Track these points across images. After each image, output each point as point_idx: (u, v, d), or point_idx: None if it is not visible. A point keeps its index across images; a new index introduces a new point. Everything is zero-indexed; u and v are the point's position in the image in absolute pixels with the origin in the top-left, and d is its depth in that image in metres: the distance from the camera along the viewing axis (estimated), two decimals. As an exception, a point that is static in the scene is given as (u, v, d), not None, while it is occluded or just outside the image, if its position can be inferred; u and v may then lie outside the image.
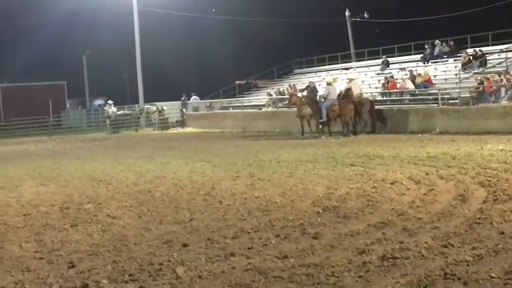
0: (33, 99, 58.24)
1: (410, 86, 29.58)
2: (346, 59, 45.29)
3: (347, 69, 41.72)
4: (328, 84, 27.01)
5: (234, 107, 41.03)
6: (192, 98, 44.11)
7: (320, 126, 26.38)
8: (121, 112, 44.42)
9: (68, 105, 63.62)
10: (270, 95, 37.89)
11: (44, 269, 6.18)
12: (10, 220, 9.09)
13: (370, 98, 27.62)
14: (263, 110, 34.78)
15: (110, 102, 42.70)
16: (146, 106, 44.48)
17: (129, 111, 46.17)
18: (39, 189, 12.58)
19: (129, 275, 5.73)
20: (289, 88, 35.15)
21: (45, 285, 5.59)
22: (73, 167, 17.32)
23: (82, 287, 5.46)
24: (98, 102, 59.40)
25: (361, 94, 26.87)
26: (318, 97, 27.36)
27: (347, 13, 48.35)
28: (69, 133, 42.56)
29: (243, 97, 43.38)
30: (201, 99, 44.74)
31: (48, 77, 62.06)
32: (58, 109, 59.20)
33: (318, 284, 5.24)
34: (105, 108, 44.97)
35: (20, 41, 58.13)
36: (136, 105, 46.87)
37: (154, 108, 43.72)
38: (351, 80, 28.44)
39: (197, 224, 8.09)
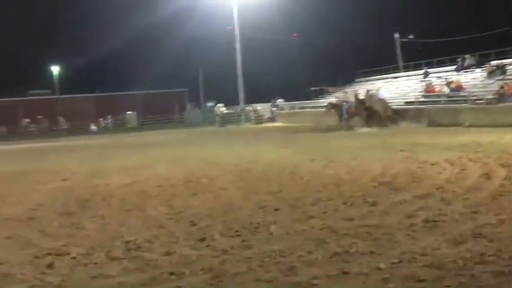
0: (163, 102, 59.49)
1: (446, 90, 29.55)
2: (396, 70, 44.66)
3: (396, 77, 41.22)
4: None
5: (310, 107, 41.16)
6: (278, 101, 45.29)
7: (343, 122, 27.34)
8: (227, 111, 45.23)
9: (188, 107, 64.55)
10: (337, 97, 37.65)
11: (173, 226, 6.29)
12: (149, 190, 9.29)
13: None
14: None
15: (220, 104, 43.66)
16: (245, 107, 45.28)
17: (233, 110, 46.78)
18: (169, 167, 12.81)
19: (235, 231, 5.78)
20: (343, 94, 34.46)
21: (174, 238, 5.68)
22: (192, 152, 17.59)
23: (200, 240, 5.52)
24: (210, 103, 59.91)
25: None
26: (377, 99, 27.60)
27: (396, 35, 47.78)
28: (189, 127, 43.17)
29: (317, 99, 43.37)
30: (285, 102, 45.77)
31: (174, 85, 63.28)
32: (181, 109, 60.34)
33: (376, 239, 5.17)
34: (215, 108, 45.88)
35: (154, 59, 59.29)
36: (238, 106, 47.32)
37: (251, 108, 44.43)
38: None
39: (284, 194, 8.09)
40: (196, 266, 4.58)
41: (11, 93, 59.17)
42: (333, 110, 29.94)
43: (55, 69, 59.69)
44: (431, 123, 24.11)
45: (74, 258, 5.06)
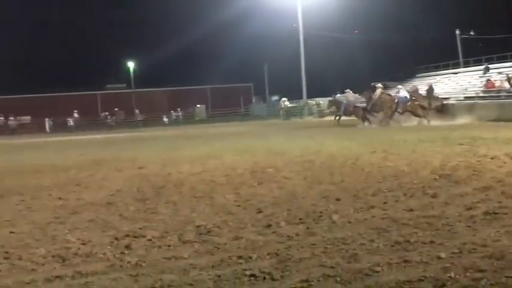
0: (230, 96, 60.02)
1: (506, 85, 28.60)
2: (456, 65, 43.46)
3: (456, 73, 40.15)
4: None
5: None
6: (337, 95, 45.01)
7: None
8: (291, 105, 45.21)
9: (253, 100, 64.85)
10: (397, 92, 37.09)
11: (240, 213, 6.35)
12: (217, 179, 9.39)
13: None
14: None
15: (284, 98, 43.72)
16: (308, 101, 45.13)
17: (296, 104, 46.75)
18: (236, 158, 12.92)
19: (299, 219, 5.79)
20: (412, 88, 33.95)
21: (242, 224, 5.74)
22: (258, 143, 17.67)
23: (267, 226, 5.55)
24: (274, 97, 60.00)
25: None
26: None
27: (457, 31, 46.34)
28: (254, 120, 43.35)
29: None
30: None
31: (240, 80, 63.72)
32: (247, 103, 60.69)
33: (436, 229, 5.08)
34: (279, 102, 45.92)
35: (222, 55, 59.81)
36: (301, 100, 47.23)
37: (314, 102, 44.25)
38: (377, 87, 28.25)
39: (346, 184, 8.03)
40: (263, 251, 4.61)
41: (91, 87, 60.99)
42: (333, 107, 31.39)
43: (131, 65, 61.04)
44: (487, 118, 23.44)
45: (149, 240, 5.19)
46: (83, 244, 5.12)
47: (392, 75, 49.44)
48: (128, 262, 4.48)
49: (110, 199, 7.74)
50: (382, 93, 27.55)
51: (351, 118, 29.09)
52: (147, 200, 7.51)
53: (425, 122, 24.75)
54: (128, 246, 4.97)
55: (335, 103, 31.27)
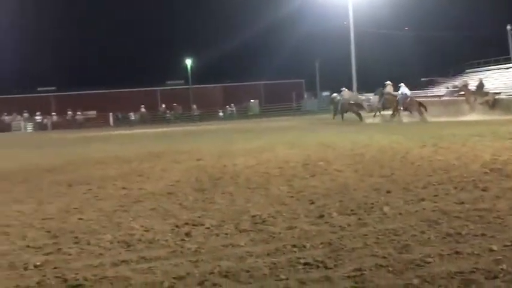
0: (283, 91, 59.95)
1: None
2: (507, 61, 42.08)
3: (507, 68, 38.92)
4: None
5: (420, 97, 39.88)
6: (334, 95, 45.22)
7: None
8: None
9: (305, 96, 64.60)
10: (447, 88, 36.55)
11: (293, 203, 6.34)
12: (271, 171, 9.41)
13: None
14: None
15: (335, 94, 43.38)
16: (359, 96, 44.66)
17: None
18: (288, 151, 12.92)
19: (351, 210, 5.73)
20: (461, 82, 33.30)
21: (295, 214, 5.73)
22: (309, 137, 17.61)
23: (319, 217, 5.52)
24: (325, 93, 59.57)
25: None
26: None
27: (508, 27, 44.82)
28: (305, 114, 43.16)
29: (426, 89, 41.96)
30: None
31: (292, 76, 63.57)
32: (299, 98, 60.53)
33: (487, 222, 4.94)
34: (331, 97, 45.66)
35: (275, 51, 59.79)
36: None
37: (363, 97, 43.74)
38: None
39: (396, 177, 7.90)
40: (316, 240, 4.60)
41: (152, 83, 62.08)
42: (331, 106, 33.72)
43: (188, 62, 61.76)
44: None
45: (207, 228, 5.25)
46: (146, 231, 5.22)
47: (442, 71, 48.37)
48: (188, 249, 4.54)
49: (170, 189, 7.86)
50: (383, 92, 29.42)
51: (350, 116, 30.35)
52: (204, 191, 7.59)
53: (426, 118, 24.96)
54: (187, 234, 5.04)
55: (332, 102, 33.77)
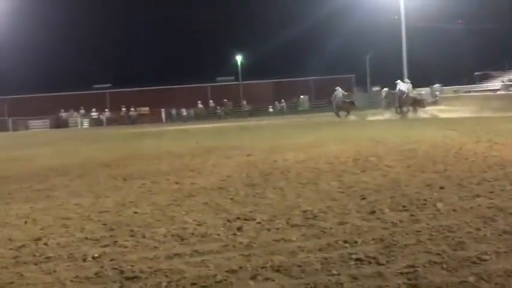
0: (332, 87, 59.45)
1: None
2: None
3: None
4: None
5: (475, 91, 38.84)
6: (435, 85, 44.53)
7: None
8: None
9: (355, 91, 63.94)
10: (503, 82, 35.64)
11: (344, 199, 6.28)
12: (321, 166, 9.35)
13: None
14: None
15: (385, 89, 42.74)
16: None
17: (397, 94, 45.67)
18: (338, 146, 12.81)
19: (403, 206, 5.64)
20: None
21: (346, 209, 5.67)
22: (359, 132, 17.42)
23: (371, 213, 5.45)
24: (375, 88, 58.75)
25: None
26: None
27: None
28: (356, 110, 42.65)
29: (480, 84, 40.82)
30: (442, 86, 44.23)
31: (342, 72, 63.00)
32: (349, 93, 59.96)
33: (546, 220, 4.77)
34: (381, 92, 45.01)
35: (325, 47, 59.35)
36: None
37: (415, 92, 43.11)
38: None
39: (450, 173, 7.71)
40: (368, 236, 4.55)
41: (202, 80, 62.72)
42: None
43: (239, 59, 62.06)
44: None
45: (259, 223, 5.26)
46: (198, 225, 5.27)
47: (497, 65, 46.94)
48: (240, 243, 4.56)
49: (221, 184, 7.92)
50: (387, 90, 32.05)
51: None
52: (255, 186, 7.61)
53: (420, 114, 27.71)
54: (239, 228, 5.07)
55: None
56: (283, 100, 57.28)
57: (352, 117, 31.31)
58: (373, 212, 5.45)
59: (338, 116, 32.55)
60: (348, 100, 34.79)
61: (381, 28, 51.22)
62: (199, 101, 55.37)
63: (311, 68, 61.45)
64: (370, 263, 3.85)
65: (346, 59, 61.39)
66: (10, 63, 61.98)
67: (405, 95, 29.19)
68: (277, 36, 59.08)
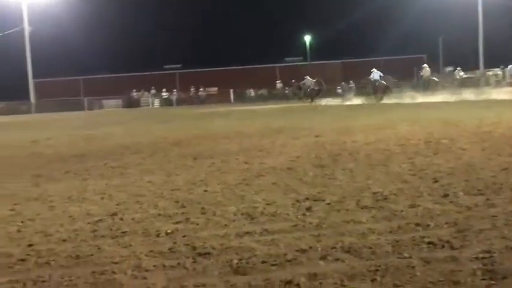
0: (403, 67, 58.04)
1: None
2: None
3: None
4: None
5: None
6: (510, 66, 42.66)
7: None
8: (466, 76, 42.77)
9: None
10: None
11: (416, 181, 6.15)
12: (391, 148, 9.20)
13: None
14: None
15: (459, 68, 41.42)
16: (486, 71, 42.37)
17: (472, 75, 44.05)
18: (409, 128, 12.55)
19: (478, 190, 5.46)
20: None
21: (418, 192, 5.55)
22: (431, 113, 16.97)
23: (444, 196, 5.30)
24: (449, 68, 56.89)
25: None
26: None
27: None
28: (428, 90, 41.52)
29: None
30: None
31: (413, 52, 61.36)
32: (420, 74, 58.36)
33: None
34: (454, 72, 43.64)
35: (395, 26, 57.91)
36: (478, 70, 44.39)
37: (491, 72, 41.44)
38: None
39: (528, 157, 7.41)
40: (441, 220, 4.44)
41: (271, 60, 62.71)
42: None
43: (307, 39, 61.59)
44: None
45: (328, 204, 5.24)
46: (268, 204, 5.31)
47: None
48: (310, 223, 4.57)
49: (290, 164, 7.93)
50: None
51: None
52: (324, 167, 7.57)
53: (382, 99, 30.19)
54: (308, 209, 5.07)
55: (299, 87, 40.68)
56: (351, 81, 56.46)
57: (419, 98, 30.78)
58: (446, 196, 5.31)
59: (377, 99, 33.64)
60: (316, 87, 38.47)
61: (454, 6, 49.43)
62: (278, 81, 55.38)
63: (381, 48, 60.20)
64: (443, 247, 3.77)
65: (417, 39, 59.75)
66: (84, 44, 64.06)
67: (377, 82, 33.25)
68: (346, 16, 58.23)
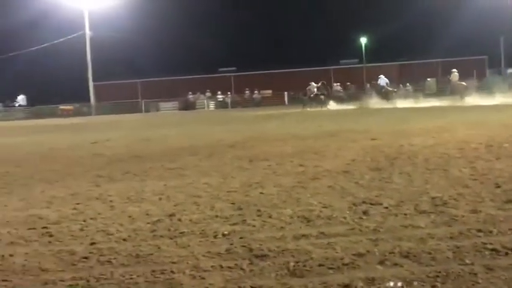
0: (462, 69, 56.56)
1: None
2: None
3: None
4: None
5: None
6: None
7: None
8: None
9: (487, 73, 60.44)
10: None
11: (477, 186, 5.98)
12: (450, 152, 8.98)
13: None
14: None
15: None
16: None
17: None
18: (469, 131, 12.23)
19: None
20: None
21: (479, 197, 5.38)
22: (492, 116, 16.47)
23: (507, 202, 5.15)
24: (510, 70, 55.15)
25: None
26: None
27: None
28: (488, 93, 40.28)
29: None
30: None
31: (473, 53, 59.74)
32: (480, 76, 56.75)
33: None
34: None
35: (453, 27, 56.46)
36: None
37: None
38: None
39: None
40: (504, 226, 4.31)
41: (325, 62, 62.37)
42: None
43: (363, 41, 60.97)
44: None
45: (385, 208, 5.17)
46: (324, 207, 5.29)
47: None
48: (366, 227, 4.52)
49: (346, 167, 7.87)
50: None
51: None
52: (381, 170, 7.47)
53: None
54: (365, 212, 5.02)
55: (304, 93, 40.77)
56: (408, 84, 55.47)
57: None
58: (509, 201, 5.14)
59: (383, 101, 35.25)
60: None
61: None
62: (348, 83, 55.03)
63: (438, 49, 58.90)
64: (507, 254, 3.65)
65: (478, 40, 58.13)
66: (142, 48, 65.49)
67: (383, 88, 35.72)
68: (402, 17, 57.23)
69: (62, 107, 59.97)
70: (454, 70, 34.37)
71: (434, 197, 5.49)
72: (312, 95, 39.38)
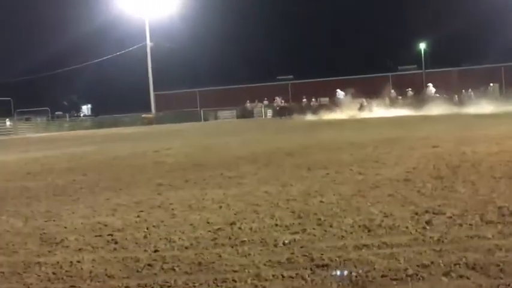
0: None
1: None
2: None
3: None
4: None
5: None
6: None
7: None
8: None
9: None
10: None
11: (546, 196, 5.74)
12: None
13: None
14: None
15: None
16: None
17: None
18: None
19: None
20: None
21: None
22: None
23: None
24: None
25: None
26: None
27: None
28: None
29: None
30: None
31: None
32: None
33: None
34: None
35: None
36: None
37: None
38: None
39: None
40: None
41: (383, 69, 61.57)
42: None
43: (422, 46, 59.87)
44: None
45: (449, 217, 5.02)
46: (385, 217, 5.19)
47: None
48: (430, 237, 4.40)
49: (407, 176, 7.70)
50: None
51: None
52: (443, 178, 7.28)
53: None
54: (428, 222, 4.89)
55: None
56: (470, 89, 53.96)
57: None
58: None
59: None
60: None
61: None
62: (409, 89, 54.21)
63: (501, 53, 57.07)
64: None
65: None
66: (201, 57, 66.50)
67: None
68: (462, 21, 55.80)
69: (144, 115, 61.96)
70: (430, 84, 36.10)
71: (501, 207, 5.29)
72: (277, 108, 43.13)
